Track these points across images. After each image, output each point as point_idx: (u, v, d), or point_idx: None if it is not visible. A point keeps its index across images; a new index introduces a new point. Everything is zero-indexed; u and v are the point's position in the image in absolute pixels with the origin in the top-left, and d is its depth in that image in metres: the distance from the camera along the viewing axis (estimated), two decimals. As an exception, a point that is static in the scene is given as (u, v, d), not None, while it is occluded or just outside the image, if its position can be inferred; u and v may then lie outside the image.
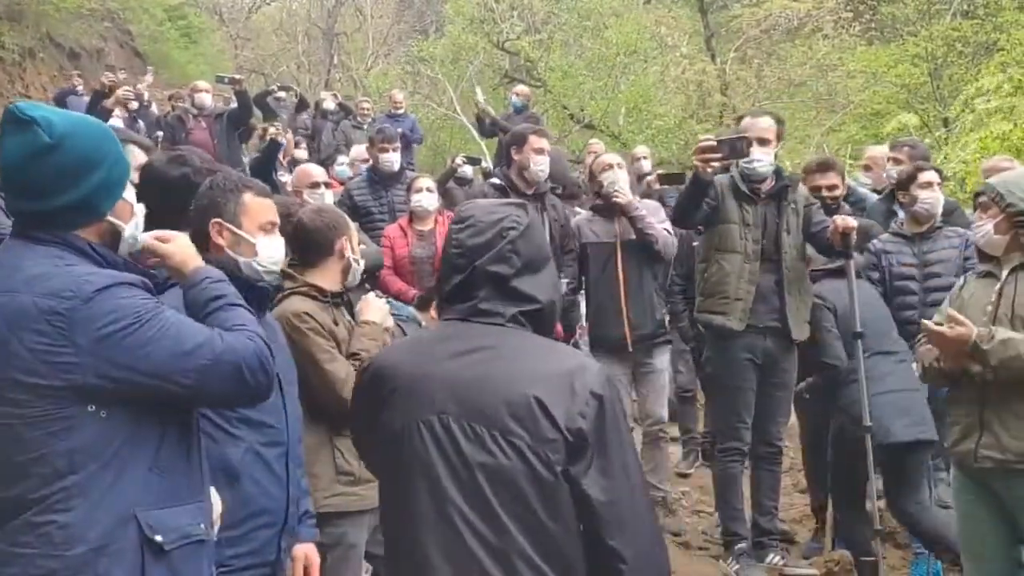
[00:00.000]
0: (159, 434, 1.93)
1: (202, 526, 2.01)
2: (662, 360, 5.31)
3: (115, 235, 2.04)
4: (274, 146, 7.25)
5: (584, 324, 5.60)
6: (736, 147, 4.31)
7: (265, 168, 6.97)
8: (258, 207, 2.58)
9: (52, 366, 1.80)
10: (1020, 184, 3.47)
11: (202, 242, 2.43)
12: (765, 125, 4.60)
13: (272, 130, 7.44)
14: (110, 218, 2.01)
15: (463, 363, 1.88)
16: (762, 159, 4.51)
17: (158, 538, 1.88)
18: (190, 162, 2.96)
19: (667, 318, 5.23)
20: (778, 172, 4.66)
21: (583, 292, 5.45)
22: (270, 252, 2.58)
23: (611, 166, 5.20)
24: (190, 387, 1.90)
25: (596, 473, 1.80)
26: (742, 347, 4.60)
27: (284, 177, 7.42)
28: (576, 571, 1.81)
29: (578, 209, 6.24)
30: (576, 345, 5.67)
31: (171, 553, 1.90)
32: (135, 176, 2.86)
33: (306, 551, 2.74)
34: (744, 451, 4.69)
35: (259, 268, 2.55)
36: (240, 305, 2.08)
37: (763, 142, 4.52)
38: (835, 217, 4.41)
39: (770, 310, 4.52)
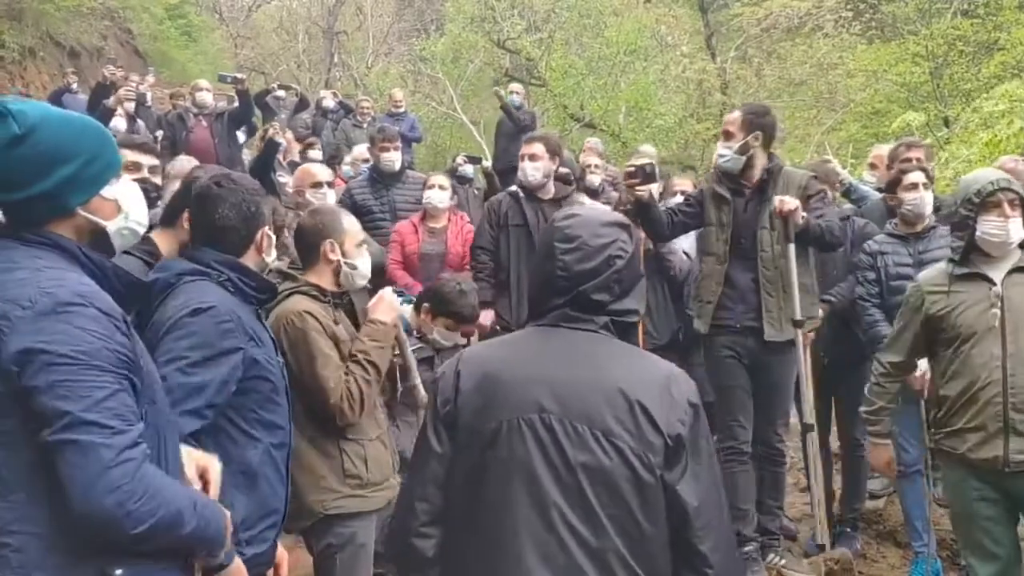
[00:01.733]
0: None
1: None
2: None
3: (99, 233, 2.00)
4: (272, 146, 7.22)
5: None
6: (645, 172, 4.50)
7: (263, 168, 6.97)
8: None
9: None
10: None
11: None
12: (729, 118, 4.63)
13: (270, 131, 7.43)
14: (83, 213, 1.95)
15: (562, 364, 1.91)
16: (723, 153, 4.51)
17: (118, 572, 1.78)
18: None
19: (681, 332, 5.21)
20: (771, 166, 4.52)
21: None
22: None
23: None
24: (47, 450, 1.72)
25: (691, 479, 1.85)
26: (722, 346, 4.60)
27: (283, 178, 7.41)
28: (665, 565, 1.86)
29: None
30: None
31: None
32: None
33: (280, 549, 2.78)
34: (742, 450, 4.65)
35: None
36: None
37: (726, 135, 4.52)
38: (775, 197, 4.34)
39: (748, 309, 4.45)
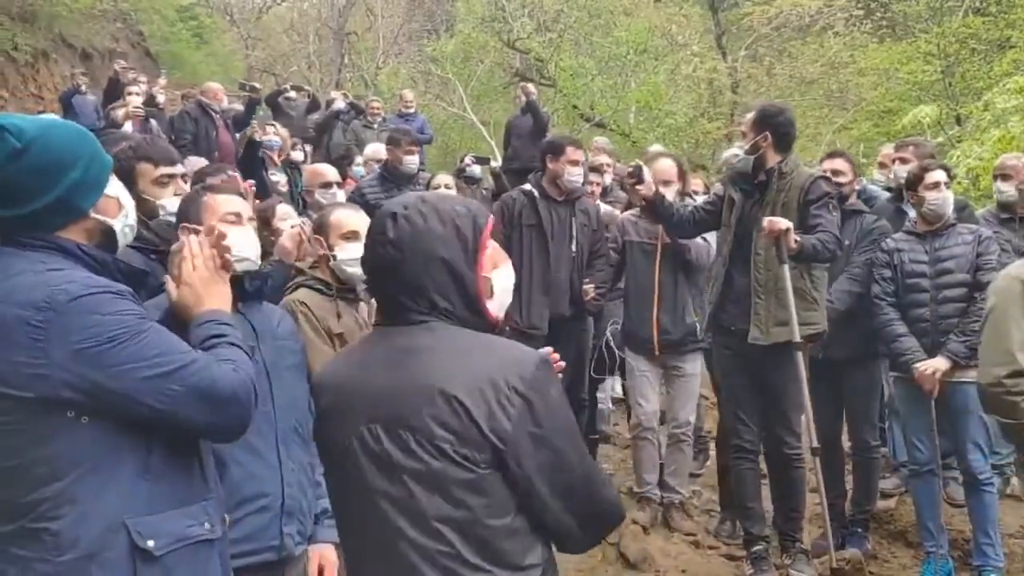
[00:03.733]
0: (147, 439, 1.91)
1: (207, 525, 2.00)
2: (693, 365, 5.30)
3: (107, 232, 2.05)
4: (250, 146, 7.33)
5: (618, 320, 5.63)
6: (635, 173, 4.65)
7: (248, 168, 7.06)
8: (216, 203, 2.69)
9: (27, 378, 1.79)
10: None
11: None
12: (744, 118, 4.68)
13: (250, 131, 7.57)
14: (94, 215, 2.02)
15: (387, 368, 1.84)
16: (736, 153, 4.61)
17: (149, 544, 1.87)
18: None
19: (699, 326, 5.19)
20: (775, 167, 4.42)
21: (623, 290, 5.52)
22: (234, 241, 2.54)
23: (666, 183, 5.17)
24: (161, 411, 1.87)
25: (534, 472, 1.77)
26: (723, 346, 4.67)
27: (275, 176, 7.44)
28: (517, 556, 1.79)
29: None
30: (608, 343, 5.72)
31: (164, 558, 1.89)
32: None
33: (322, 552, 2.74)
34: (747, 448, 4.64)
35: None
36: (238, 346, 2.06)
37: (743, 135, 4.58)
38: (764, 219, 4.23)
39: (742, 312, 4.44)
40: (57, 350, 1.80)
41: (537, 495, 1.79)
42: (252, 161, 7.26)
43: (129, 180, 2.95)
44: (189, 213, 2.69)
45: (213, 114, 9.06)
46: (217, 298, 2.15)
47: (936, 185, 4.64)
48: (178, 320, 2.12)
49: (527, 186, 5.54)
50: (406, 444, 1.76)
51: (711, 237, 5.09)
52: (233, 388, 1.94)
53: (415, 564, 1.76)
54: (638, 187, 4.64)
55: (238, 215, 2.69)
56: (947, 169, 4.78)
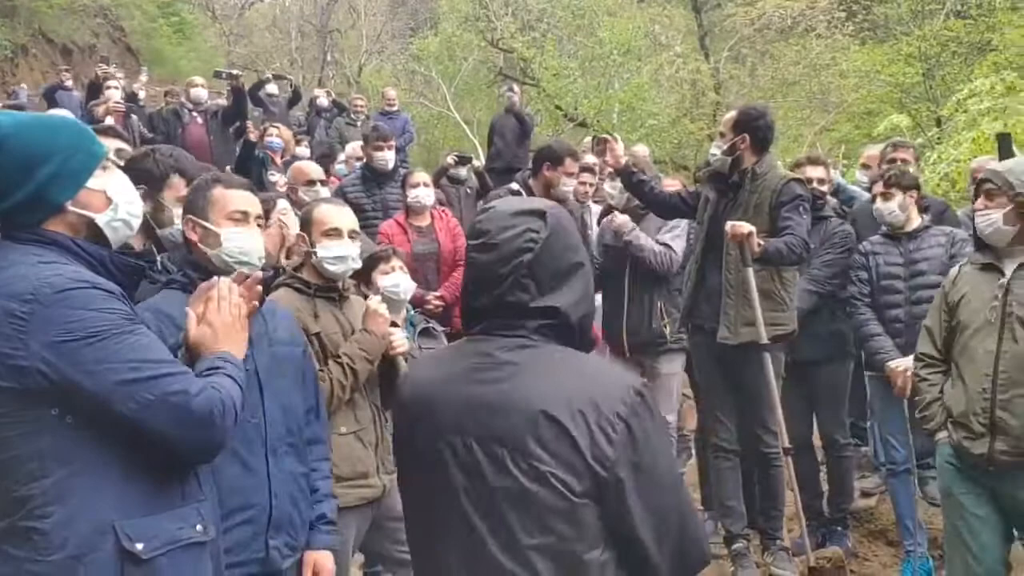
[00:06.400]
0: (134, 440, 1.88)
1: (198, 527, 1.99)
2: (670, 365, 5.33)
3: (92, 227, 2.03)
4: (246, 146, 7.33)
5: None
6: (600, 143, 4.85)
7: (244, 166, 7.03)
8: (224, 198, 2.61)
9: (9, 369, 1.79)
10: None
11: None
12: (724, 118, 4.72)
13: (248, 131, 7.57)
14: (74, 208, 1.99)
15: (485, 381, 1.76)
16: (714, 152, 4.59)
17: (138, 546, 1.86)
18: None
19: (667, 329, 5.21)
20: (749, 168, 4.45)
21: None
22: (237, 242, 2.57)
23: (605, 179, 5.28)
24: (129, 418, 1.83)
25: (632, 496, 1.68)
26: (699, 345, 4.71)
27: (274, 176, 7.41)
28: None
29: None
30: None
31: (153, 561, 1.88)
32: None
33: (315, 557, 2.69)
34: (725, 447, 4.66)
35: (226, 258, 2.56)
36: (234, 379, 2.03)
37: (721, 135, 4.60)
38: (727, 223, 4.25)
39: (713, 311, 4.47)
40: (35, 342, 1.78)
41: (631, 527, 1.70)
42: (247, 162, 7.25)
43: (159, 186, 2.96)
44: (196, 204, 2.62)
45: (184, 111, 9.00)
46: (234, 344, 2.14)
47: (882, 195, 4.75)
48: (191, 355, 2.10)
49: (514, 186, 5.54)
50: (502, 461, 1.69)
51: (676, 245, 5.18)
52: (210, 408, 1.90)
53: None
54: (606, 158, 4.76)
55: (245, 214, 2.61)
56: (889, 179, 4.79)
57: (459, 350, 1.90)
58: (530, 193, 5.38)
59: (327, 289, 3.36)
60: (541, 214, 1.82)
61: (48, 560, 1.80)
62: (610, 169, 5.23)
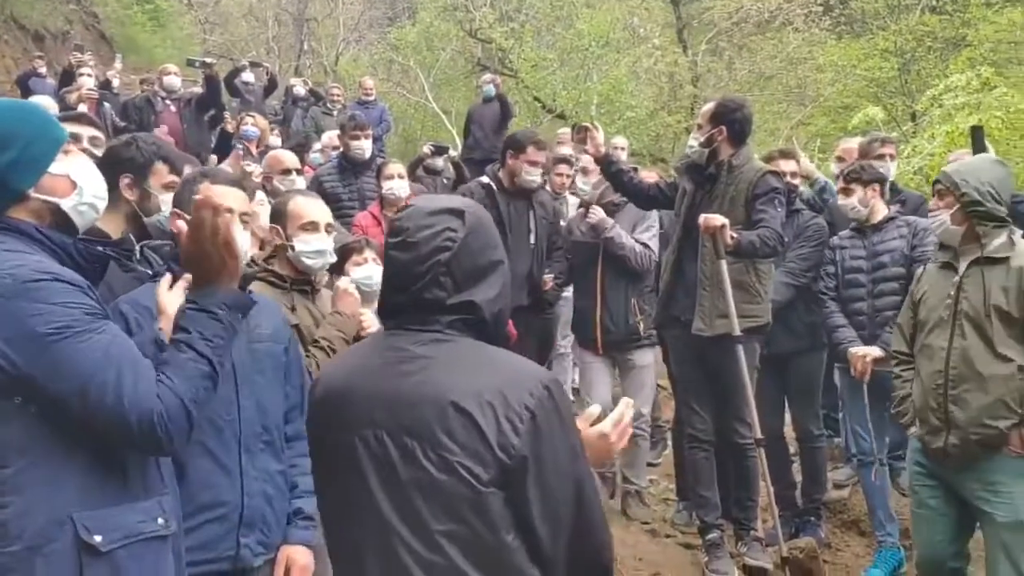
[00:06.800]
0: (94, 434, 1.86)
1: (160, 520, 1.97)
2: (643, 358, 5.33)
3: (58, 213, 2.00)
4: (223, 135, 7.36)
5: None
6: (581, 131, 4.87)
7: (221, 156, 7.02)
8: (210, 193, 2.56)
9: None
10: (975, 173, 3.53)
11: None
12: (702, 109, 4.74)
13: (225, 122, 7.56)
14: (37, 195, 1.97)
15: (397, 375, 1.80)
16: (691, 144, 4.60)
17: (96, 539, 1.84)
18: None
19: (642, 324, 5.21)
20: (726, 160, 4.48)
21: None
22: None
23: (578, 171, 5.27)
24: (80, 415, 1.82)
25: (534, 487, 1.73)
26: (674, 337, 4.74)
27: (250, 166, 7.35)
28: (512, 574, 1.75)
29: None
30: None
31: (112, 553, 1.86)
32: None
33: (289, 552, 2.66)
34: (700, 437, 4.68)
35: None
36: (199, 351, 1.96)
37: (699, 127, 4.63)
38: (701, 216, 4.28)
39: (690, 302, 4.50)
40: None
41: (530, 517, 1.74)
42: (225, 152, 7.23)
43: (144, 174, 2.96)
44: (183, 198, 2.62)
45: (157, 99, 8.92)
46: (226, 271, 2.04)
47: (842, 191, 4.85)
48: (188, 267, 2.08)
49: (484, 179, 5.53)
50: (412, 453, 1.73)
51: (653, 244, 5.19)
52: (151, 422, 1.85)
53: (411, 571, 1.72)
54: (587, 146, 4.77)
55: (229, 211, 2.56)
56: (857, 174, 4.84)
57: (373, 345, 1.94)
58: (500, 184, 5.35)
59: (302, 282, 3.33)
60: (460, 213, 1.86)
61: (6, 551, 1.78)
62: (583, 165, 5.24)
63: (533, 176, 5.39)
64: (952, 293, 3.52)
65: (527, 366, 1.85)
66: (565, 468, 1.78)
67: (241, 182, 2.89)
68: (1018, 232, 3.54)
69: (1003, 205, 3.48)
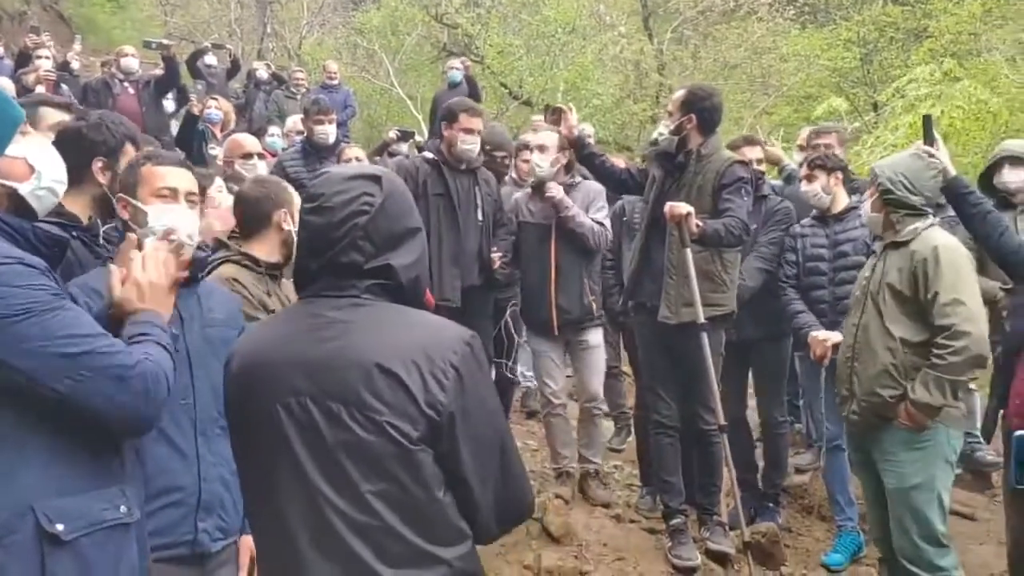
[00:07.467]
0: (60, 420, 1.84)
1: (123, 508, 1.94)
2: (595, 337, 5.25)
3: (15, 197, 1.97)
4: (189, 118, 7.32)
5: (516, 303, 5.60)
6: (555, 112, 4.94)
7: (186, 141, 6.90)
8: (152, 175, 2.55)
9: None
10: (892, 165, 3.85)
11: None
12: (672, 97, 4.77)
13: (191, 104, 7.49)
14: None
15: (317, 340, 1.81)
16: (661, 132, 4.62)
17: (58, 527, 1.81)
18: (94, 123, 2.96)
19: (595, 304, 5.19)
20: (694, 149, 4.49)
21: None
22: (164, 219, 2.48)
23: (534, 149, 5.21)
24: (64, 395, 1.80)
25: (463, 443, 1.78)
26: (640, 324, 4.76)
27: (215, 150, 7.26)
28: (444, 530, 1.79)
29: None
30: (507, 326, 5.71)
31: (75, 542, 1.84)
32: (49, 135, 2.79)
33: (247, 540, 2.61)
34: (665, 423, 4.70)
35: (152, 237, 2.46)
36: (164, 347, 1.99)
37: (668, 114, 4.61)
38: (667, 204, 4.30)
39: (656, 289, 4.50)
40: None
41: (459, 467, 1.79)
42: (189, 135, 7.17)
43: (115, 156, 2.89)
44: (127, 182, 2.56)
45: (115, 81, 8.82)
46: (161, 304, 2.08)
47: (806, 177, 4.94)
48: (116, 315, 2.04)
49: (428, 154, 5.37)
50: (338, 416, 1.75)
51: (607, 223, 5.15)
52: (144, 382, 1.87)
53: (341, 534, 1.74)
54: (560, 128, 4.82)
55: (173, 191, 2.54)
56: (821, 161, 4.91)
57: (291, 313, 1.97)
58: (444, 159, 5.21)
59: (273, 267, 3.28)
60: (376, 179, 1.89)
61: None
62: (540, 142, 5.17)
63: (470, 145, 5.17)
64: (868, 275, 3.85)
65: (447, 325, 1.89)
66: (490, 420, 1.85)
67: (185, 162, 2.82)
68: (934, 220, 3.81)
69: (917, 195, 3.76)
